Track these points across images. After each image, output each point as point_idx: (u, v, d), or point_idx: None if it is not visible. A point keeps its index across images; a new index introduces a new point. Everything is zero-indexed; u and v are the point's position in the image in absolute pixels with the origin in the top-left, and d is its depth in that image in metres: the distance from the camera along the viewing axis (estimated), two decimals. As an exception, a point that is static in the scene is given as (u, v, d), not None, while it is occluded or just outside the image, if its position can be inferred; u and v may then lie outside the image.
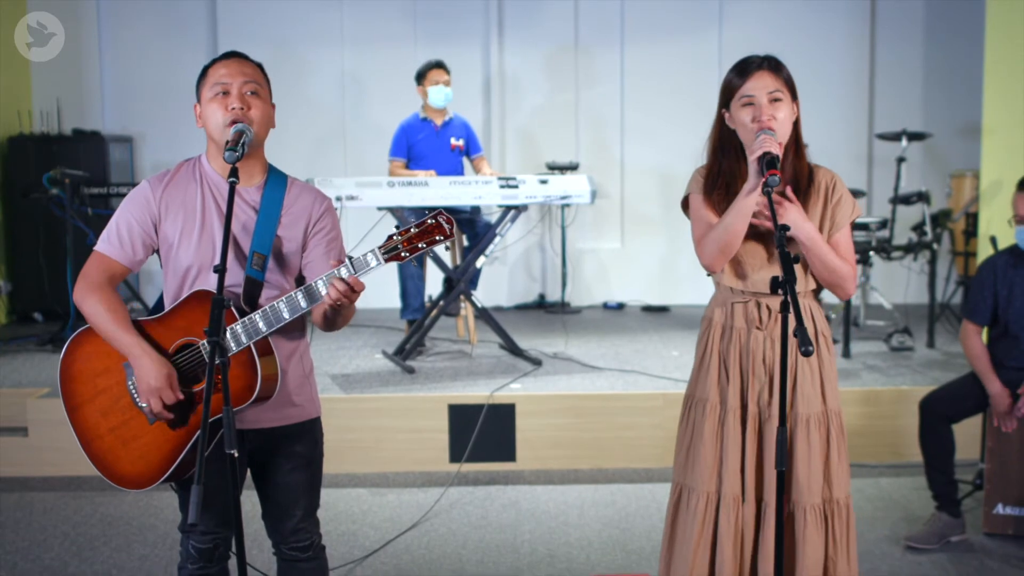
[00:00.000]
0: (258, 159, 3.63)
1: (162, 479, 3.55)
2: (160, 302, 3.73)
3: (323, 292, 3.33)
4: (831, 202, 3.78)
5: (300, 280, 3.68)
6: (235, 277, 3.52)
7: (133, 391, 3.52)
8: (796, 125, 3.75)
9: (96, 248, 3.60)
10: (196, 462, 2.99)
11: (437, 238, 3.30)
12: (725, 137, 3.80)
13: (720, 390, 3.83)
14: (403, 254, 3.29)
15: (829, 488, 3.76)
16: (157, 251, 3.63)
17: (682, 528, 3.88)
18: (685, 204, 3.93)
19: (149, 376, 3.40)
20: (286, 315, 3.40)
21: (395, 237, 3.29)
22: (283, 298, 3.40)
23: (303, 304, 3.38)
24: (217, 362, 3.11)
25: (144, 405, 3.45)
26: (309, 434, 3.77)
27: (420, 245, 3.29)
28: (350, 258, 3.29)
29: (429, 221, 3.30)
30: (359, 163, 10.61)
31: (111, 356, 3.55)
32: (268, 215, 3.57)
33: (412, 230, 3.29)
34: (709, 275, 3.89)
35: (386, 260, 3.28)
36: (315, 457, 3.80)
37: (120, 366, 3.54)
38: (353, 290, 3.29)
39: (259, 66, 3.64)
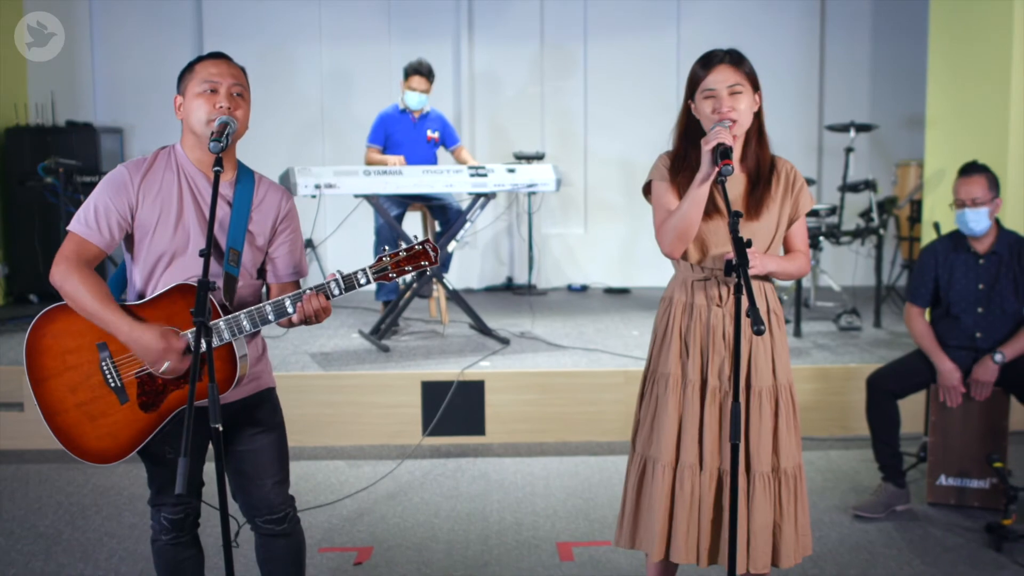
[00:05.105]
0: (231, 156, 3.58)
1: (128, 456, 3.49)
2: (115, 283, 3.67)
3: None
4: (793, 191, 3.79)
5: (260, 271, 3.65)
6: (213, 269, 3.45)
7: (105, 371, 3.44)
8: (759, 116, 3.74)
9: (72, 229, 3.50)
10: (179, 437, 3.00)
11: (423, 263, 3.41)
12: (691, 125, 3.78)
13: (681, 365, 3.81)
14: (391, 275, 3.39)
15: (777, 458, 3.74)
16: (129, 234, 3.54)
17: (648, 498, 3.83)
18: (647, 190, 3.89)
19: (149, 343, 3.31)
20: (271, 317, 3.40)
21: (385, 259, 3.39)
22: (270, 301, 3.39)
23: (289, 309, 3.39)
24: (203, 349, 3.09)
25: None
26: (268, 402, 3.72)
27: (407, 268, 3.40)
28: (342, 274, 3.36)
29: (417, 247, 3.41)
30: (338, 153, 10.56)
31: (83, 335, 3.45)
32: (240, 211, 3.53)
33: (401, 254, 3.40)
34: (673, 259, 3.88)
35: (375, 279, 3.37)
36: (276, 423, 3.72)
37: (93, 345, 3.45)
38: (325, 311, 3.42)
39: (243, 69, 3.61)
